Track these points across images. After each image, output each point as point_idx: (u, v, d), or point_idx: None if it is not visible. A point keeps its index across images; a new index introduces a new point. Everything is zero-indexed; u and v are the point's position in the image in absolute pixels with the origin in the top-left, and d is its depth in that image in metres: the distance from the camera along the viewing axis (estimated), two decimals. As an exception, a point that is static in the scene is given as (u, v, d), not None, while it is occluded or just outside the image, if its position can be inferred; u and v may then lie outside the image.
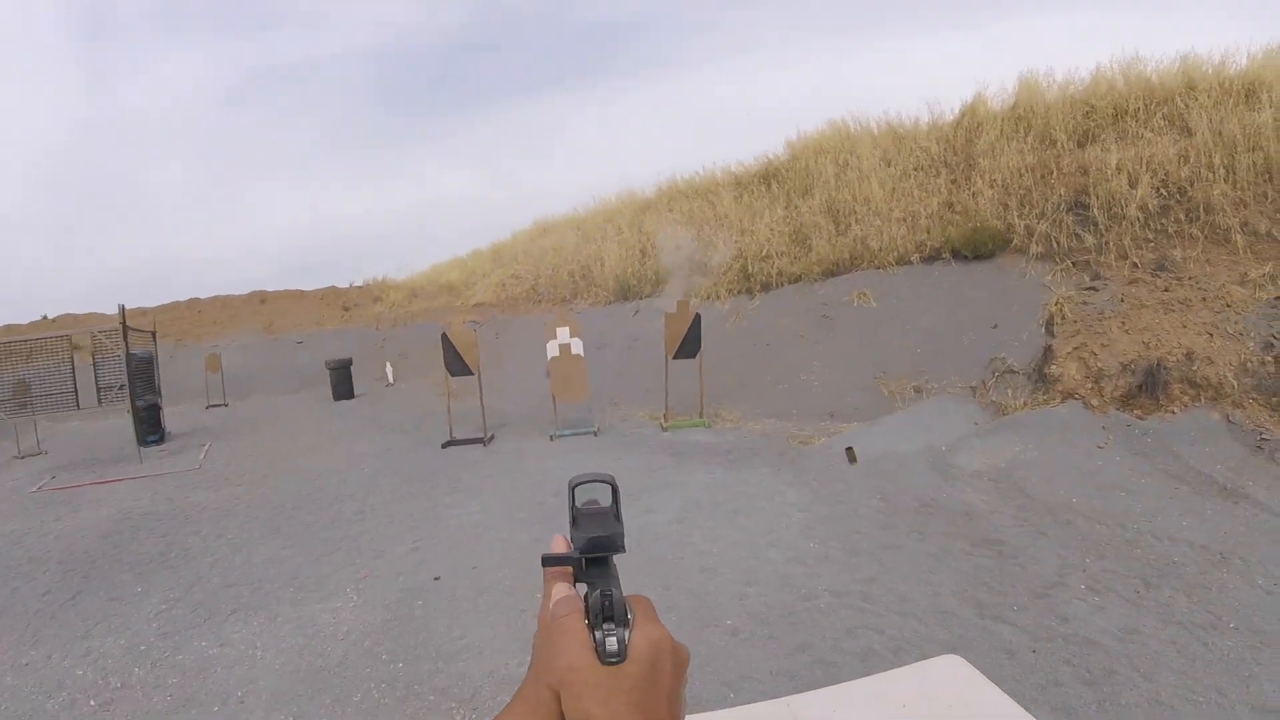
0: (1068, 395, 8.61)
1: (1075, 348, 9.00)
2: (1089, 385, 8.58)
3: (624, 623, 0.70)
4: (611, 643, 0.67)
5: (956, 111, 14.85)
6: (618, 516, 0.84)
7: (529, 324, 20.05)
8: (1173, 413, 7.88)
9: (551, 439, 11.79)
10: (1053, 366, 9.00)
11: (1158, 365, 8.20)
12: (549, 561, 0.81)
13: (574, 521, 0.84)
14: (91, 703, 5.08)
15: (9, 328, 30.37)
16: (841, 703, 1.58)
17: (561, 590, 0.78)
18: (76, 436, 18.29)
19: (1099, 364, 8.64)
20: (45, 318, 32.98)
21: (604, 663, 0.67)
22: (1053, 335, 9.43)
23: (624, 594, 0.74)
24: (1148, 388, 8.18)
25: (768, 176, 17.50)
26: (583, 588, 0.78)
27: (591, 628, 0.70)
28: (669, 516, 7.50)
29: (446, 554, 7.23)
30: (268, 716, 4.75)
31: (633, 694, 0.66)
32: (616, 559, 0.81)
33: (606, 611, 0.70)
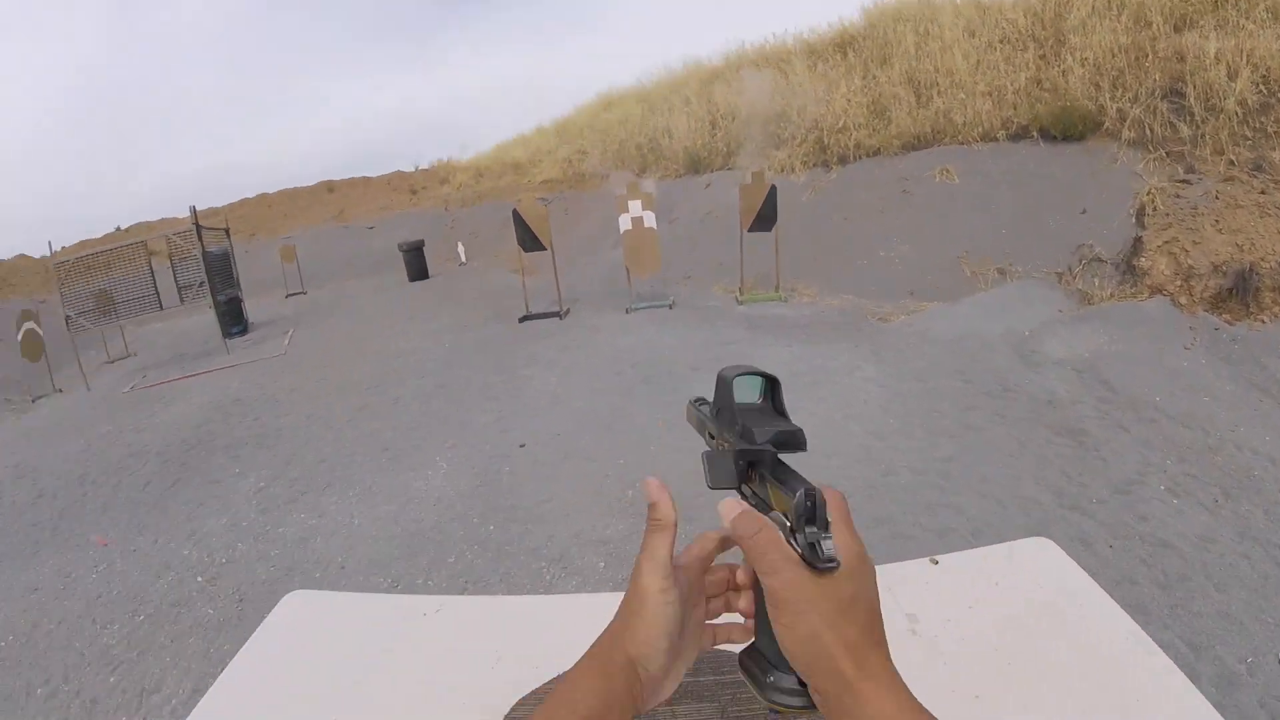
0: (1156, 290, 8.47)
1: (1166, 241, 8.79)
2: (1178, 282, 8.41)
3: (826, 528, 0.62)
4: (828, 546, 0.60)
5: (1045, -18, 14.19)
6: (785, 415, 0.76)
7: (597, 199, 19.94)
8: (1263, 322, 7.65)
9: (627, 312, 11.86)
10: (1142, 259, 8.83)
11: (1250, 270, 7.95)
12: (742, 454, 0.73)
13: (731, 420, 0.75)
14: (198, 579, 5.39)
15: (84, 243, 30.57)
16: (935, 575, 1.61)
17: (733, 507, 0.72)
18: (162, 337, 18.65)
19: (1189, 261, 8.44)
20: (118, 229, 33.35)
21: (819, 569, 0.60)
22: (1143, 226, 9.21)
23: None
24: (1238, 292, 7.95)
25: (843, 44, 16.98)
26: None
27: (793, 531, 0.63)
28: (748, 389, 7.58)
29: (529, 422, 7.44)
30: (367, 580, 5.02)
31: (851, 610, 0.60)
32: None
33: (809, 514, 0.62)
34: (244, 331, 16.85)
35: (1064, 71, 11.97)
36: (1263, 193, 8.71)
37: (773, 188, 11.69)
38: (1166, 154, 9.96)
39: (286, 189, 34.77)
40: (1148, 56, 11.18)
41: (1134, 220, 9.47)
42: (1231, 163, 9.30)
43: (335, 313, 17.72)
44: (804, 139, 15.06)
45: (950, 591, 1.53)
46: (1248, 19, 10.73)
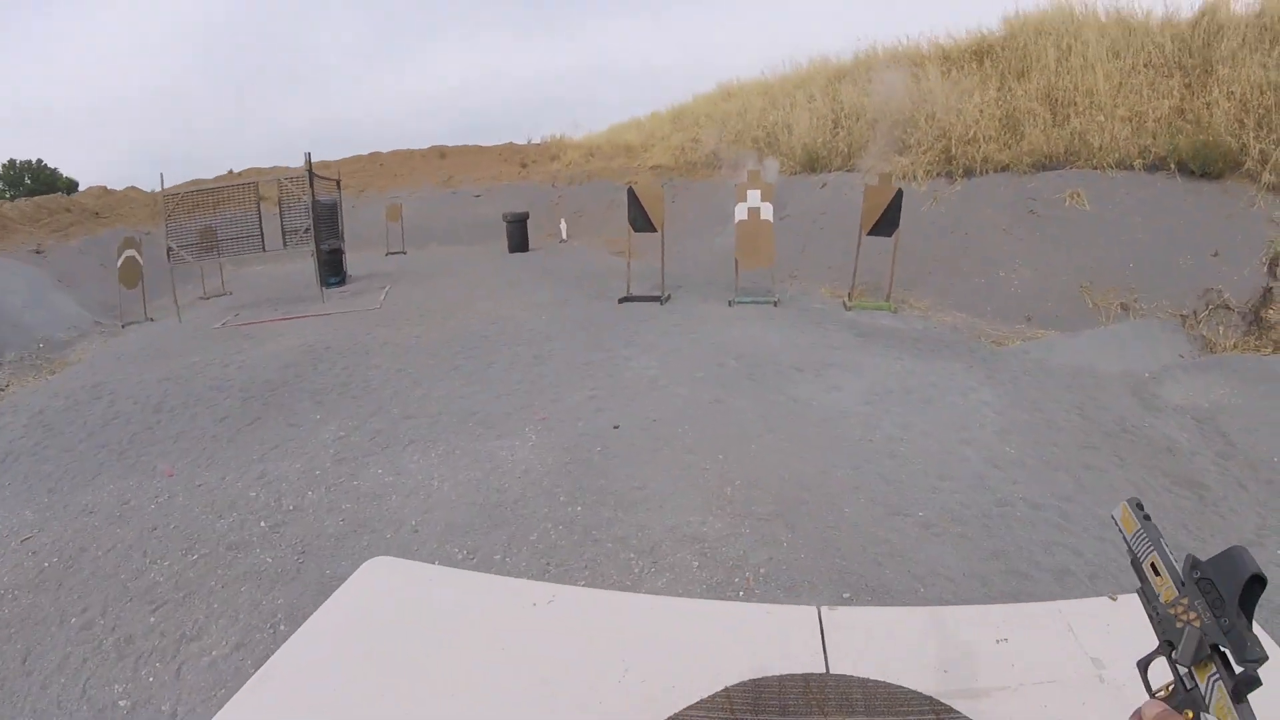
0: (1281, 346, 8.24)
1: (1297, 294, 8.54)
2: (1306, 338, 8.18)
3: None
4: None
5: (1195, 9, 13.71)
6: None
7: (707, 189, 19.90)
8: (1395, 386, 7.44)
9: (730, 304, 11.90)
10: (1270, 311, 8.58)
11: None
12: (1189, 643, 0.72)
13: (1223, 610, 0.73)
14: (262, 524, 5.39)
15: (195, 181, 31.47)
16: (1114, 616, 1.60)
17: (1154, 708, 0.73)
18: (260, 279, 19.25)
19: (1320, 316, 8.20)
20: (231, 172, 34.04)
21: None
22: (1275, 277, 8.94)
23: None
24: (1372, 354, 7.73)
25: (980, 53, 16.51)
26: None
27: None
28: (856, 397, 7.56)
29: (624, 404, 7.42)
30: (441, 547, 4.97)
31: None
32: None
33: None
34: (342, 282, 17.37)
35: (1208, 104, 11.58)
36: (1407, 252, 8.40)
37: (899, 191, 11.60)
38: (1308, 201, 9.61)
39: (399, 150, 35.43)
40: (1297, 97, 10.75)
41: (1266, 269, 9.18)
42: (1376, 219, 8.95)
43: (434, 275, 18.06)
44: (930, 146, 14.83)
45: (1134, 633, 1.47)
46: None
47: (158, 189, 16.05)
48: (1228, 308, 9.14)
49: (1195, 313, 9.36)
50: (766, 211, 12.13)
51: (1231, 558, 0.75)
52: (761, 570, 4.63)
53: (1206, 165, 10.79)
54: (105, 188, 26.45)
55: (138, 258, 15.01)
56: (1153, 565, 0.86)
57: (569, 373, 8.56)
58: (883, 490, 5.63)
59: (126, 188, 27.40)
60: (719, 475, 5.91)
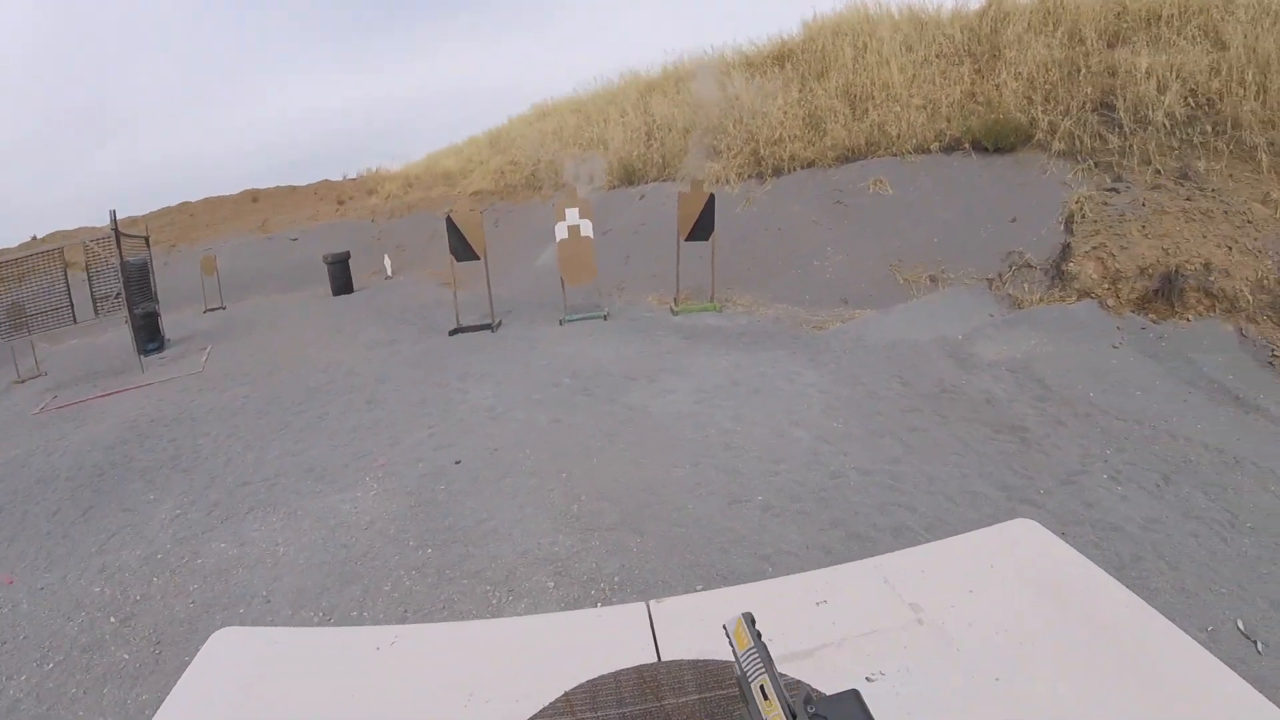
0: (1084, 294, 8.64)
1: (1094, 247, 8.98)
2: (1106, 285, 8.61)
3: None
4: None
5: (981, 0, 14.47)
6: None
7: (530, 211, 19.85)
8: (1187, 320, 7.92)
9: (561, 323, 11.79)
10: (1070, 264, 9.00)
11: (1175, 272, 8.20)
12: None
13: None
14: (112, 619, 5.06)
15: None
16: (929, 563, 1.61)
17: None
18: (76, 354, 18.12)
19: (1116, 265, 8.64)
20: (34, 238, 32.14)
21: None
22: (1071, 234, 9.39)
23: None
24: (1164, 293, 8.20)
25: (781, 58, 16.98)
26: None
27: None
28: (689, 397, 7.57)
29: (464, 438, 7.24)
30: (296, 614, 4.78)
31: None
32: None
33: None
34: (160, 348, 16.33)
35: (998, 86, 12.17)
36: (1188, 199, 8.97)
37: (711, 196, 11.73)
38: (1095, 164, 10.16)
39: (210, 197, 33.95)
40: (1080, 71, 11.42)
41: (1063, 228, 9.65)
42: (1158, 172, 9.54)
43: (257, 327, 17.36)
44: (740, 150, 15.10)
45: (948, 578, 1.55)
46: (1179, 36, 11.03)
47: None
48: (1030, 266, 9.54)
49: (1000, 275, 9.74)
50: (586, 228, 12.07)
51: (848, 700, 0.78)
52: (615, 579, 4.59)
53: (999, 141, 11.31)
54: None
55: None
56: (762, 688, 0.80)
57: (405, 413, 8.28)
58: (722, 482, 5.64)
59: None
60: (564, 493, 5.82)
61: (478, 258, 12.33)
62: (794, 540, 4.70)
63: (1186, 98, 10.06)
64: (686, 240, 11.87)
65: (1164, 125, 9.90)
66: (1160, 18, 11.59)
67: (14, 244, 31.32)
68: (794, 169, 13.89)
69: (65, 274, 15.16)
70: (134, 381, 12.87)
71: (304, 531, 5.78)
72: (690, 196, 11.78)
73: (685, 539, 4.89)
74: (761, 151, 14.51)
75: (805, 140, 14.01)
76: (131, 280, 15.18)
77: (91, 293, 15.04)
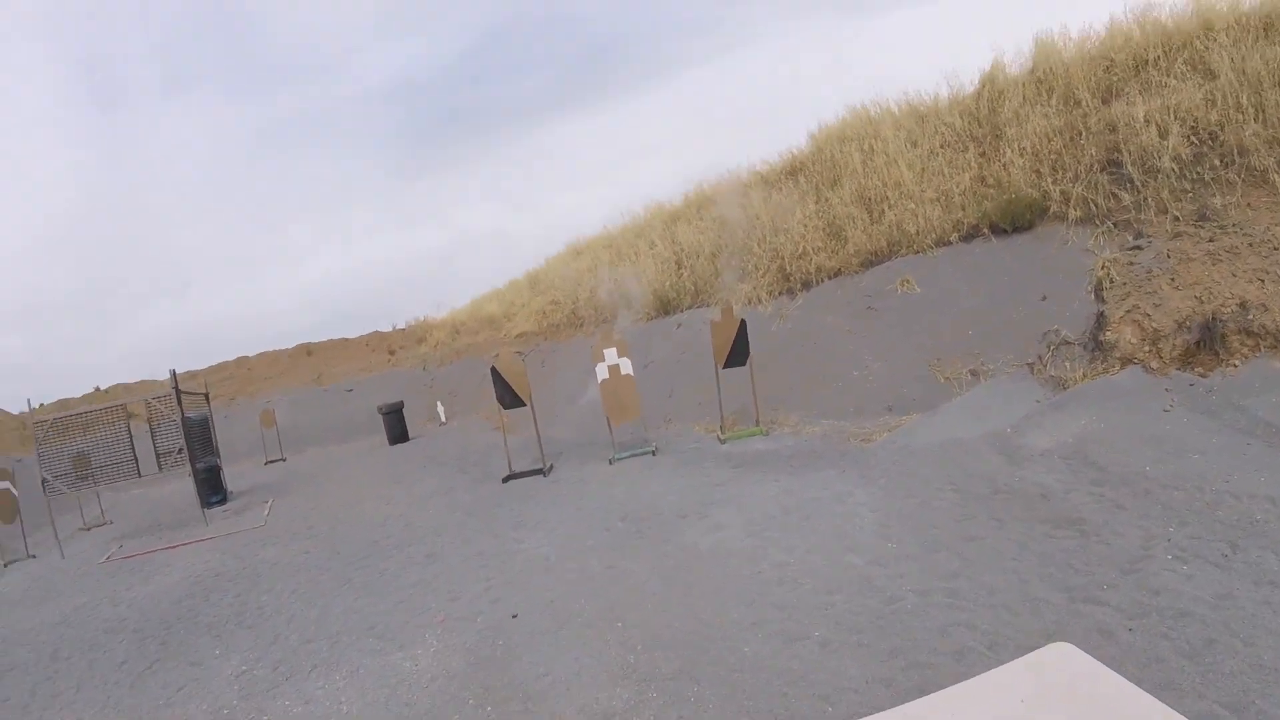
0: (1126, 361, 8.51)
1: (1128, 310, 8.88)
2: (1146, 348, 8.47)
3: None
4: None
5: (976, 82, 14.55)
6: None
7: (573, 348, 20.17)
8: (1234, 366, 7.77)
9: (610, 462, 11.81)
10: (1107, 333, 8.89)
11: (1213, 319, 8.08)
12: None
13: None
14: None
15: (62, 402, 31.29)
16: (957, 706, 1.56)
17: None
18: (140, 503, 18.67)
19: (1154, 324, 8.52)
20: (97, 389, 33.66)
21: None
22: (1103, 301, 9.29)
23: None
24: (1206, 343, 8.06)
25: (794, 171, 17.29)
26: None
27: None
28: (741, 531, 7.48)
29: (521, 590, 7.23)
30: None
31: None
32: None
33: None
34: (223, 501, 16.80)
35: (1005, 165, 12.23)
36: (1211, 240, 8.87)
37: (742, 322, 11.87)
38: (1114, 224, 10.09)
39: (266, 352, 35.27)
40: (1081, 133, 11.46)
41: (1094, 296, 9.55)
42: (1176, 218, 9.45)
43: (316, 480, 17.72)
44: (766, 269, 15.25)
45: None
46: (1169, 76, 11.07)
47: (24, 410, 15.50)
48: (1068, 342, 9.42)
49: (1040, 357, 9.62)
50: (626, 366, 12.22)
51: None
52: (674, 730, 4.47)
53: (1016, 220, 11.30)
54: None
55: (12, 490, 14.30)
56: None
57: (462, 566, 8.30)
58: (778, 619, 5.52)
59: None
60: (620, 643, 5.72)
61: (524, 404, 12.51)
62: (854, 675, 4.56)
63: (1189, 136, 10.04)
64: (724, 368, 11.94)
65: (1173, 170, 9.85)
66: (1147, 62, 11.66)
67: (77, 394, 32.87)
68: (821, 280, 13.97)
69: (129, 428, 15.87)
70: (198, 534, 13.21)
71: (367, 690, 5.79)
72: (722, 325, 11.91)
73: (743, 684, 4.77)
74: (788, 267, 14.65)
75: (829, 250, 14.12)
76: (193, 435, 15.69)
77: (155, 448, 15.72)
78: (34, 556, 13.84)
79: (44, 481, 14.38)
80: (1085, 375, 8.84)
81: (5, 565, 13.52)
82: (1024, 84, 13.33)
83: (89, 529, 16.17)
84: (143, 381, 31.94)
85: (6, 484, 14.33)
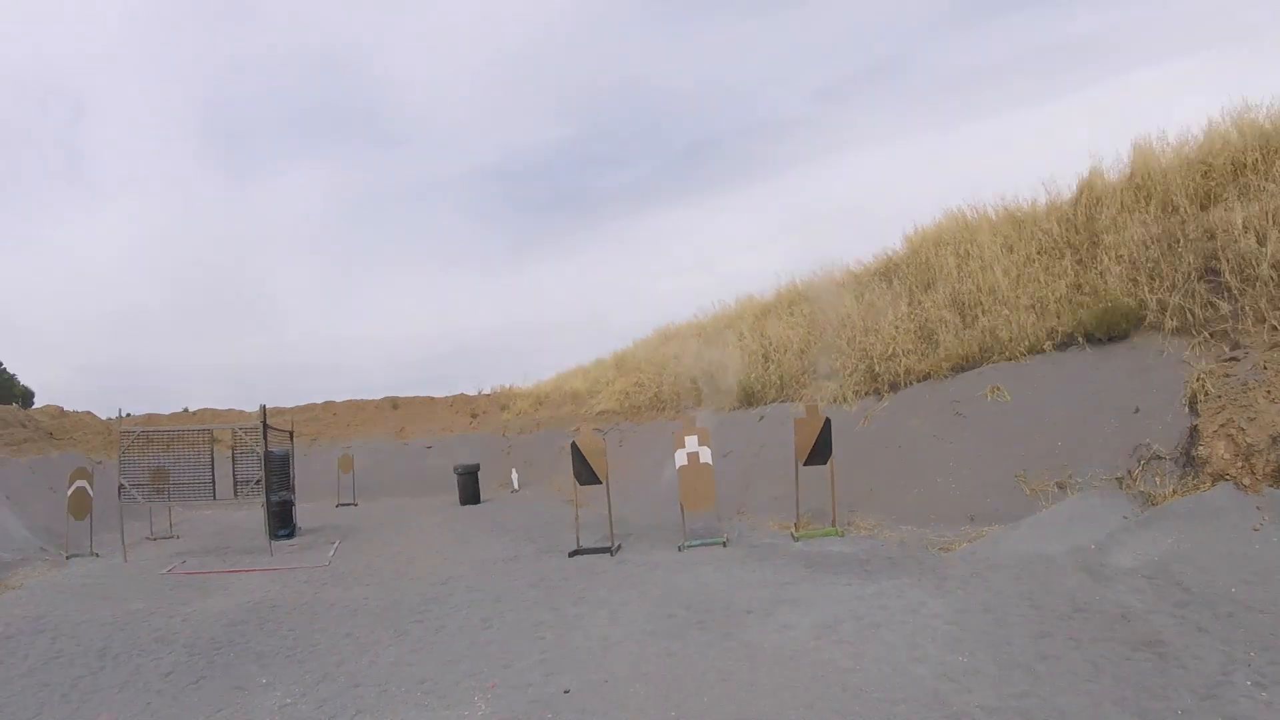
0: (1218, 477, 8.19)
1: (1222, 424, 8.56)
2: (1239, 464, 8.14)
3: None
4: None
5: (1074, 188, 14.38)
6: None
7: (653, 431, 20.32)
8: (1327, 483, 7.45)
9: (680, 549, 11.73)
10: (1200, 448, 8.57)
11: (1307, 434, 7.77)
12: None
13: None
14: None
15: (151, 416, 32.61)
16: None
17: None
18: (209, 525, 19.23)
19: (1247, 439, 8.19)
20: (186, 410, 35.04)
21: None
22: (1197, 414, 8.99)
23: None
24: (1299, 460, 7.74)
25: (887, 272, 17.29)
26: None
27: None
28: (807, 633, 7.30)
29: (576, 666, 7.12)
30: None
31: None
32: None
33: None
34: (291, 535, 17.26)
35: (1101, 272, 12.01)
36: (1308, 351, 8.55)
37: (827, 420, 11.85)
38: (1210, 335, 9.80)
39: (353, 400, 36.30)
40: (1179, 241, 11.19)
41: (1187, 409, 9.25)
42: (1274, 328, 9.15)
43: (384, 529, 18.00)
44: (854, 368, 15.18)
45: None
46: (1267, 179, 10.83)
47: (112, 417, 16.11)
48: (1160, 458, 9.11)
49: (1130, 472, 9.30)
50: (705, 455, 12.23)
51: None
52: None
53: (1111, 330, 11.07)
54: (62, 409, 26.11)
55: (89, 489, 15.00)
56: None
57: (519, 635, 8.23)
58: None
59: (83, 412, 27.15)
60: None
61: (599, 482, 12.57)
62: (910, 794, 4.40)
63: (1287, 242, 9.75)
64: (805, 465, 11.85)
65: (1271, 277, 9.56)
66: (1245, 165, 11.42)
67: (166, 412, 34.20)
68: (910, 383, 13.86)
69: (212, 451, 16.63)
70: (262, 564, 13.49)
71: None
72: (806, 421, 11.89)
73: (795, 792, 4.62)
74: (877, 367, 14.57)
75: (919, 353, 14.03)
76: (272, 469, 16.24)
77: (234, 475, 16.29)
78: (98, 555, 14.50)
79: (120, 487, 15.02)
80: (1175, 492, 8.53)
81: (68, 558, 14.08)
82: (1121, 190, 13.12)
83: (155, 540, 16.83)
84: (231, 410, 33.37)
85: (84, 483, 15.00)
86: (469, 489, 22.48)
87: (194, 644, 8.42)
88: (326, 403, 36.14)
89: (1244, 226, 10.23)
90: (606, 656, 7.33)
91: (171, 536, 17.32)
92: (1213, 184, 11.71)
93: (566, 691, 6.51)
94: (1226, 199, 11.19)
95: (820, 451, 11.74)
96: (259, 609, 10.00)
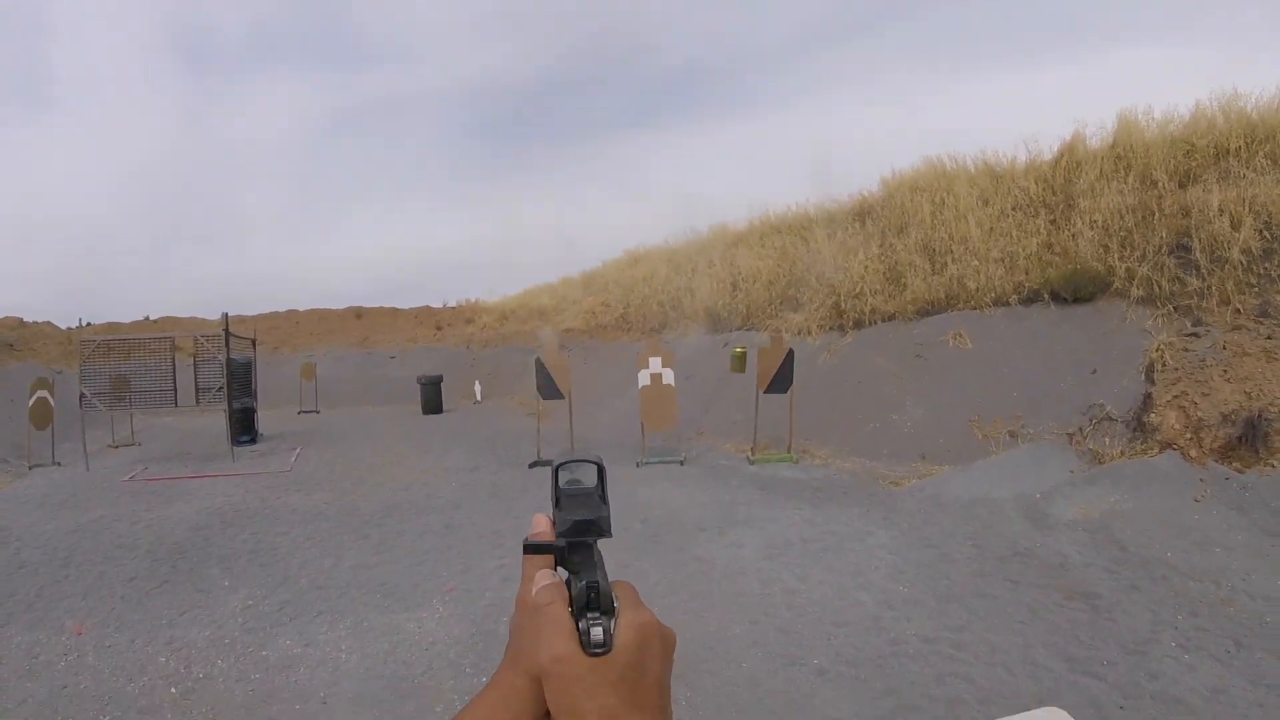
0: (1166, 445, 8.46)
1: (1175, 396, 8.84)
2: (1188, 435, 8.42)
3: (609, 611, 0.70)
4: (597, 633, 0.67)
5: (1055, 150, 14.56)
6: (603, 498, 0.82)
7: (617, 351, 20.40)
8: (1273, 466, 7.70)
9: (638, 466, 11.93)
10: (1152, 415, 8.85)
11: (1259, 416, 8.02)
12: (530, 549, 0.79)
13: (557, 503, 0.82)
14: (172, 690, 5.21)
15: (112, 325, 32.07)
16: None
17: (544, 577, 0.76)
18: (170, 431, 19.09)
19: (1199, 413, 8.48)
20: (148, 318, 34.44)
21: (589, 654, 0.66)
22: (1152, 383, 9.26)
23: (609, 580, 0.73)
24: (1248, 439, 8.00)
25: (862, 214, 17.42)
26: (565, 573, 0.77)
27: (576, 616, 0.69)
28: (757, 552, 7.53)
29: (532, 573, 7.32)
30: (349, 718, 4.85)
31: (620, 685, 0.66)
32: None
33: (592, 602, 0.70)
34: (253, 441, 17.26)
35: (1074, 235, 12.19)
36: (1269, 338, 8.84)
37: (790, 351, 11.97)
38: (1174, 309, 10.05)
39: (316, 309, 36.08)
40: (1154, 214, 11.39)
41: (1144, 377, 9.52)
42: (1238, 311, 9.41)
43: (347, 436, 18.04)
44: (821, 303, 15.35)
45: None
46: (1248, 168, 11.02)
47: (73, 326, 15.96)
48: (1111, 419, 9.39)
49: (1081, 429, 9.58)
50: (668, 377, 12.35)
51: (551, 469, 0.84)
52: (663, 732, 4.54)
53: (1078, 291, 11.27)
54: (21, 320, 25.92)
55: (49, 399, 14.75)
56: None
57: (478, 542, 8.39)
58: (780, 642, 5.57)
59: (42, 322, 26.96)
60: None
61: (563, 397, 12.69)
62: (845, 709, 4.60)
63: (1261, 230, 9.99)
64: (765, 392, 12.01)
65: (1240, 262, 9.81)
66: (1229, 151, 11.63)
67: (127, 320, 33.77)
68: (875, 322, 14.05)
69: (173, 359, 16.55)
70: (224, 469, 13.53)
71: (368, 643, 5.89)
72: (770, 350, 12.04)
73: (735, 698, 4.83)
74: (843, 305, 14.75)
75: (886, 294, 14.20)
76: (234, 376, 16.13)
77: (196, 383, 16.22)
78: (60, 464, 14.31)
79: (81, 396, 14.86)
80: (1123, 453, 8.81)
81: (30, 468, 13.95)
82: (1103, 158, 13.31)
83: (117, 447, 16.63)
84: (193, 318, 32.78)
85: (44, 393, 14.77)
86: (432, 399, 22.49)
87: (156, 550, 8.42)
88: (289, 311, 35.81)
89: (1220, 209, 10.42)
90: (561, 566, 7.54)
91: (134, 444, 17.11)
92: (1194, 164, 11.90)
93: (522, 597, 6.72)
94: (1206, 180, 11.37)
95: (781, 380, 11.91)
96: (221, 514, 10.03)
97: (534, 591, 0.75)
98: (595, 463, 0.83)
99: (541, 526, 0.83)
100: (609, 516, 0.80)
